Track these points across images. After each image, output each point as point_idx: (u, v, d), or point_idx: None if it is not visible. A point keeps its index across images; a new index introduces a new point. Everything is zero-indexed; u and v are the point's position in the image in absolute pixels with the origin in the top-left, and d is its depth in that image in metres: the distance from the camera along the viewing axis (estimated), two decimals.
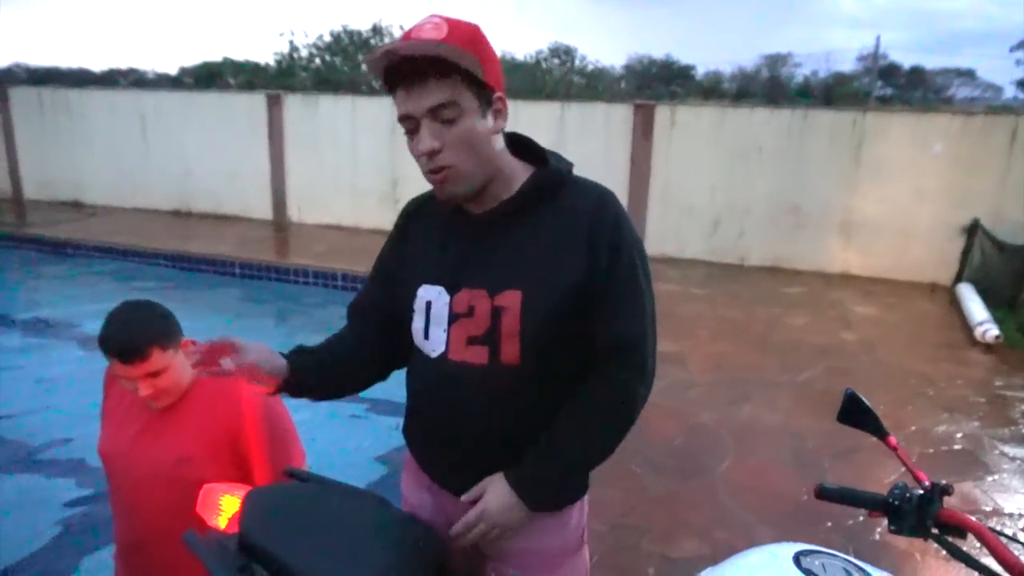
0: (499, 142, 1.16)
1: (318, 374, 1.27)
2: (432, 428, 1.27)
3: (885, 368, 4.76)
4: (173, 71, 29.38)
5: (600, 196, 1.19)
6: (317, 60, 14.74)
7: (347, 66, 14.60)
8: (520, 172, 1.20)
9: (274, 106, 9.02)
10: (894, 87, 44.53)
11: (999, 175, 6.88)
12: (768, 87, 44.11)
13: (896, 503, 1.12)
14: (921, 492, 1.12)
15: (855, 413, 1.27)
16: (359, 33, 14.95)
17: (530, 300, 1.13)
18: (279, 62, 14.65)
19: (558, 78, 15.92)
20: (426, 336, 1.22)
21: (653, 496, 3.03)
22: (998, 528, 1.08)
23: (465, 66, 1.05)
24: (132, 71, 30.77)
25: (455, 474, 1.26)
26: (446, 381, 1.20)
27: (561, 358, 1.18)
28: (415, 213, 1.31)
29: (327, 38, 14.82)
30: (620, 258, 1.15)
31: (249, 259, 7.13)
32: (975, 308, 5.76)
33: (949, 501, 1.12)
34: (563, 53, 16.92)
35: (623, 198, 7.65)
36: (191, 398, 1.54)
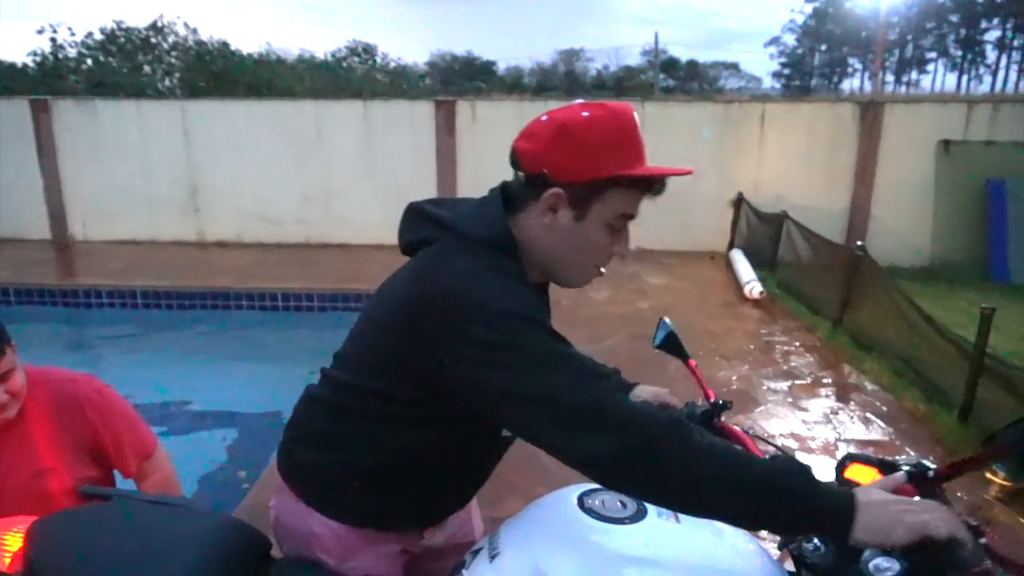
0: None
1: None
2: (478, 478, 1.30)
3: (677, 329, 5.35)
4: None
5: None
6: (88, 61, 13.24)
7: (126, 67, 13.29)
8: None
9: (41, 112, 8.10)
10: (675, 79, 49.13)
11: (755, 154, 7.97)
12: (566, 81, 46.67)
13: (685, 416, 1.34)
14: (706, 408, 1.34)
15: (668, 341, 1.50)
16: (137, 30, 13.64)
17: None
18: (40, 63, 12.95)
19: (361, 76, 15.66)
20: None
21: None
22: (759, 435, 1.35)
23: None
24: None
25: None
26: None
27: None
28: (540, 304, 1.22)
29: (99, 36, 13.36)
30: None
31: (26, 283, 6.40)
32: (743, 269, 6.66)
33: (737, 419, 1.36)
34: (363, 51, 16.63)
35: (432, 191, 7.86)
36: (26, 413, 1.51)
